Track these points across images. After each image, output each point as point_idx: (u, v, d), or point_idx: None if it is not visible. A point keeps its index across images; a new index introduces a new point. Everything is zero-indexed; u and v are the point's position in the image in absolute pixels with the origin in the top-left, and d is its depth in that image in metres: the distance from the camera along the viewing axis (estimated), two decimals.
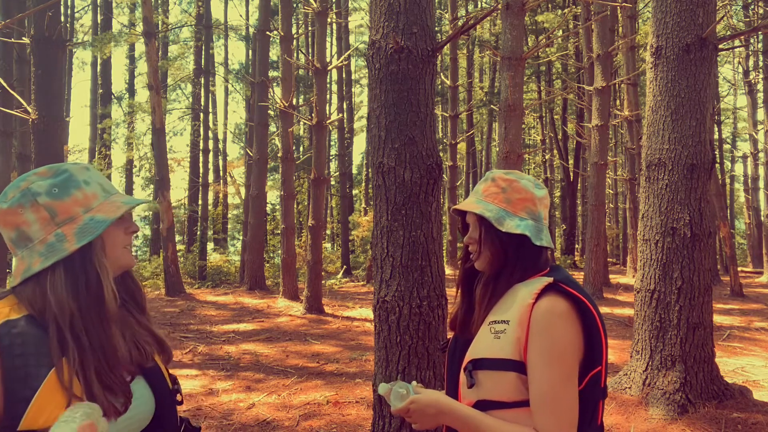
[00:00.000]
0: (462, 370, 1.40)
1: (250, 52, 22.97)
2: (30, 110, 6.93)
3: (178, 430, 1.25)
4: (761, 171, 22.57)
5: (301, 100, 23.50)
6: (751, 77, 22.23)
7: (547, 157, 26.44)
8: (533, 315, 1.30)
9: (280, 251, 12.78)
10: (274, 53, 20.91)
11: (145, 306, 1.28)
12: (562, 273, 1.40)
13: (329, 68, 11.16)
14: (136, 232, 1.20)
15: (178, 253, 14.72)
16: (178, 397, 1.26)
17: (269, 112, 16.89)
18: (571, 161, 22.72)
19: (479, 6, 25.18)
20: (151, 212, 21.59)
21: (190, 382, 5.70)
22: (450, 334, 1.62)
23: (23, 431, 0.96)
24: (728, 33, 17.21)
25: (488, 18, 21.70)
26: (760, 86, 20.92)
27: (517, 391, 1.31)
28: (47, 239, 1.07)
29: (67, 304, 1.05)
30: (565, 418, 1.28)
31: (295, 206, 15.47)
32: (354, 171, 31.86)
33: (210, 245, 23.21)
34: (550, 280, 1.34)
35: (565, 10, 19.44)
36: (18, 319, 1.03)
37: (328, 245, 27.27)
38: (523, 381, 1.30)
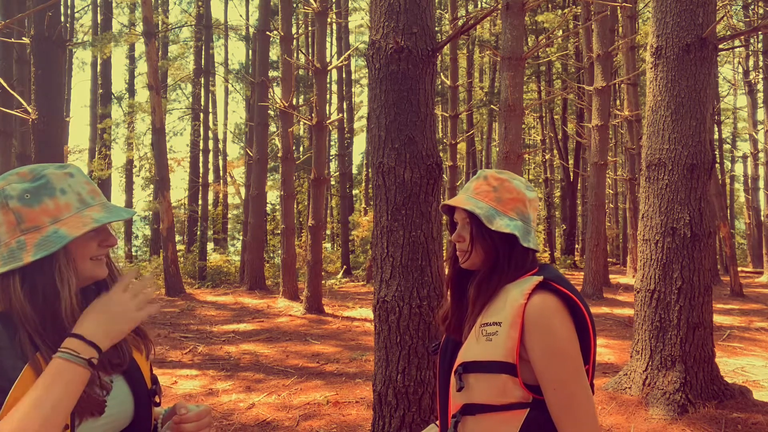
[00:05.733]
0: (453, 373, 1.38)
1: (250, 52, 22.98)
2: (30, 110, 6.93)
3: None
4: (761, 171, 22.58)
5: (301, 100, 23.50)
6: (751, 77, 22.24)
7: (547, 157, 26.44)
8: (527, 314, 1.29)
9: (280, 251, 12.78)
10: (274, 53, 20.91)
11: None
12: (551, 271, 1.39)
13: (329, 68, 11.16)
14: (113, 245, 1.17)
15: (178, 253, 14.73)
16: (156, 399, 1.24)
17: (269, 112, 16.88)
18: (571, 161, 22.72)
19: (479, 6, 25.17)
20: (151, 212, 21.60)
21: (190, 382, 5.70)
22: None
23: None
24: (728, 33, 17.20)
25: (488, 18, 21.70)
26: (760, 86, 20.93)
27: (507, 394, 1.30)
28: (10, 243, 1.07)
29: (28, 310, 1.05)
30: (586, 413, 1.28)
31: (295, 206, 15.47)
32: (354, 171, 31.85)
33: (210, 245, 23.20)
34: (540, 278, 1.33)
35: (565, 10, 19.44)
36: None
37: (328, 245, 27.27)
38: (514, 383, 1.29)
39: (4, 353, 1.02)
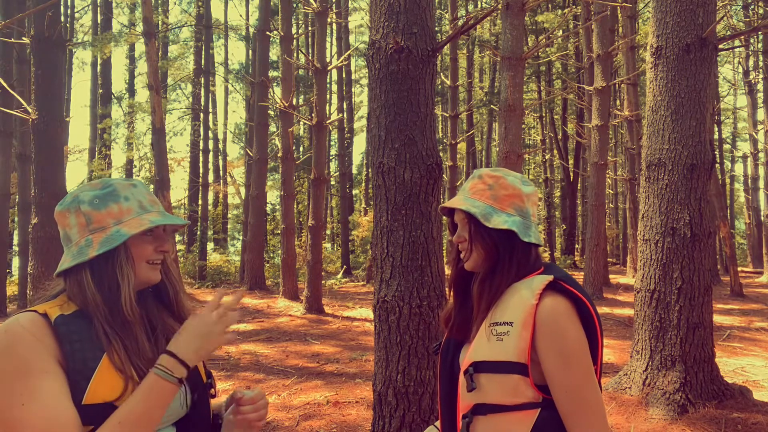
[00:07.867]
0: (462, 373, 1.37)
1: (250, 52, 22.98)
2: (30, 110, 6.93)
3: (209, 422, 1.35)
4: (761, 171, 22.58)
5: (301, 100, 23.49)
6: (751, 77, 22.24)
7: (547, 157, 26.43)
8: (538, 315, 1.29)
9: (280, 251, 12.78)
10: (274, 53, 20.91)
11: (179, 300, 1.38)
12: (559, 271, 1.38)
13: (329, 68, 11.16)
14: (167, 252, 1.31)
15: (178, 253, 14.73)
16: (212, 391, 1.36)
17: (269, 112, 16.88)
18: (571, 161, 22.72)
19: (479, 6, 25.18)
20: None
21: None
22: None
23: (86, 404, 1.12)
24: (728, 33, 17.20)
25: (488, 18, 21.70)
26: (760, 86, 20.93)
27: (519, 394, 1.30)
28: (80, 242, 1.22)
29: (99, 300, 1.20)
30: (597, 417, 1.29)
31: (295, 206, 15.47)
32: (354, 171, 31.84)
33: (210, 245, 23.21)
34: (550, 278, 1.32)
35: (565, 10, 19.44)
36: (71, 314, 1.19)
37: (328, 245, 27.26)
38: (526, 383, 1.29)
39: (84, 345, 1.16)
